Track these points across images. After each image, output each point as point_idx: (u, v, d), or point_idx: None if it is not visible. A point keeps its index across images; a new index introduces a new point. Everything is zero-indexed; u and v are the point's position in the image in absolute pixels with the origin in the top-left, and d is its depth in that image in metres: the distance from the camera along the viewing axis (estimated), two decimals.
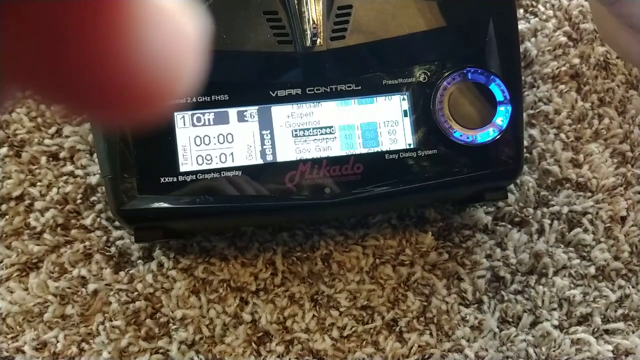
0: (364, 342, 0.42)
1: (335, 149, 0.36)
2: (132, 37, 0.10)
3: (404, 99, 0.36)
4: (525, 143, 0.44)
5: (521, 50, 0.45)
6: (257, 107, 0.35)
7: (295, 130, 0.35)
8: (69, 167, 0.42)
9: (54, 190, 0.42)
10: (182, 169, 0.34)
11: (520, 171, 0.37)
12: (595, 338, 0.43)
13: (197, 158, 0.35)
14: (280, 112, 0.35)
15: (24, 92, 0.11)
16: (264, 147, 0.35)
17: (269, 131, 0.35)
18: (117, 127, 0.34)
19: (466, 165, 0.36)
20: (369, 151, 0.36)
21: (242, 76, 0.35)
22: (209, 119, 0.35)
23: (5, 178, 0.42)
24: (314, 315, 0.42)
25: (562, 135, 0.45)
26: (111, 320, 0.41)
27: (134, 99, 0.11)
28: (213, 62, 0.34)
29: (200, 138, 0.35)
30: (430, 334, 0.42)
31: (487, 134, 0.36)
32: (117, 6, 0.10)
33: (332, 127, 0.36)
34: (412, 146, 0.36)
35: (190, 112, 0.35)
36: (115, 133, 0.34)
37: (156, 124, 0.12)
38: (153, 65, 0.11)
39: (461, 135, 0.36)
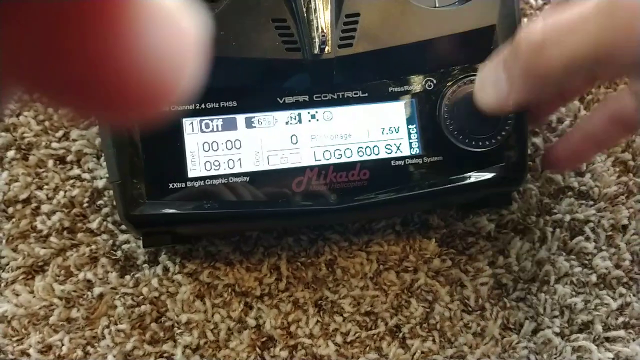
0: (367, 348, 0.42)
1: (342, 156, 0.36)
2: (138, 41, 0.11)
3: (410, 106, 0.37)
4: (529, 151, 0.44)
5: None
6: (264, 114, 0.36)
7: (303, 137, 0.36)
8: (76, 171, 0.42)
9: (61, 193, 0.42)
10: (191, 174, 0.35)
11: (525, 178, 0.38)
12: (596, 346, 0.43)
13: (205, 164, 0.35)
14: (287, 119, 0.36)
15: (31, 95, 0.11)
16: (271, 153, 0.35)
17: (276, 137, 0.36)
18: (125, 130, 0.34)
19: (471, 172, 0.37)
20: (375, 157, 0.36)
21: (250, 83, 0.36)
22: (217, 125, 0.35)
23: (12, 181, 0.42)
24: (317, 321, 0.42)
25: None
26: (116, 324, 0.41)
27: (141, 103, 0.11)
28: (221, 69, 0.34)
29: (209, 144, 0.35)
30: (433, 340, 0.43)
31: (492, 141, 0.36)
32: (124, 10, 0.10)
33: (338, 133, 0.36)
34: (418, 153, 0.36)
35: (198, 118, 0.35)
36: (123, 139, 0.34)
37: (163, 127, 0.12)
38: (160, 69, 0.11)
39: (466, 142, 0.36)
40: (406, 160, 0.36)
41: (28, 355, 0.40)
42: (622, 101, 0.36)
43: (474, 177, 0.37)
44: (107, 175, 0.41)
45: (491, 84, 0.32)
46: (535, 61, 0.28)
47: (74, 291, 0.41)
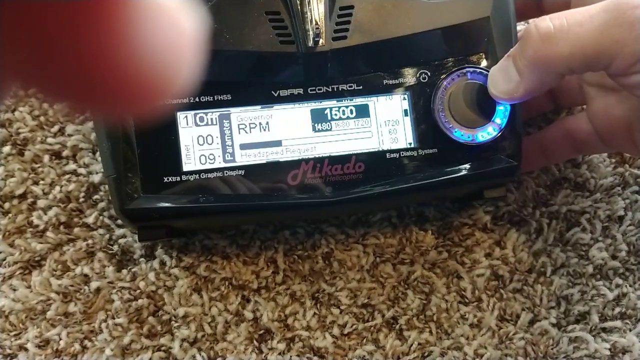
0: (365, 340, 0.42)
1: (337, 148, 0.36)
2: (133, 35, 0.11)
3: (404, 99, 0.37)
4: None
5: None
6: (259, 107, 0.36)
7: (297, 130, 0.36)
8: (72, 166, 0.42)
9: (57, 188, 0.42)
10: (185, 168, 0.35)
11: (519, 169, 0.38)
12: (593, 336, 0.43)
13: (200, 157, 0.35)
14: (282, 112, 0.36)
15: (26, 91, 0.11)
16: (267, 146, 0.36)
17: (271, 131, 0.36)
18: (119, 124, 0.34)
19: (466, 164, 0.37)
20: (370, 150, 0.36)
21: (244, 76, 0.36)
22: (211, 119, 0.35)
23: (8, 176, 0.42)
24: (314, 313, 0.42)
25: None
26: (114, 318, 0.41)
27: (135, 96, 0.11)
28: (216, 62, 0.34)
29: (203, 137, 0.35)
30: (430, 331, 0.43)
31: (486, 133, 0.36)
32: (119, 4, 0.10)
33: (333, 126, 0.36)
34: (412, 145, 0.37)
35: (193, 112, 0.35)
36: (118, 133, 0.34)
37: (158, 121, 0.12)
38: (154, 62, 0.11)
39: (461, 135, 0.36)
40: (401, 152, 0.36)
41: (26, 349, 0.40)
42: (579, 122, 0.40)
43: (469, 169, 0.37)
44: (102, 169, 0.41)
45: (502, 77, 0.34)
46: (543, 49, 0.31)
47: (71, 286, 0.41)
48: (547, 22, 0.31)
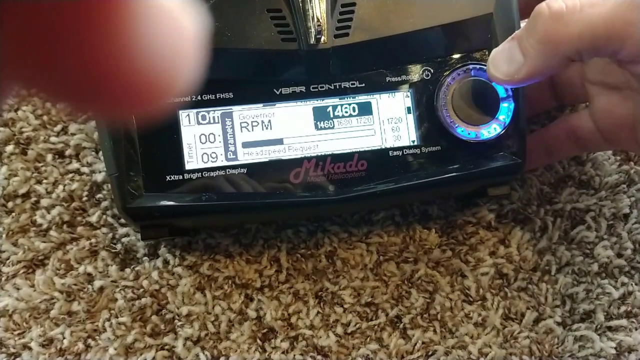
0: (368, 339, 0.42)
1: (340, 146, 0.36)
2: (134, 34, 0.11)
3: (407, 96, 0.37)
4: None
5: None
6: (261, 105, 0.35)
7: (300, 128, 0.36)
8: (75, 165, 0.42)
9: (60, 187, 0.42)
10: (188, 167, 0.35)
11: (523, 167, 0.38)
12: (598, 335, 0.43)
13: (202, 156, 0.35)
14: (284, 110, 0.36)
15: (28, 90, 0.11)
16: (269, 144, 0.35)
17: (273, 129, 0.35)
18: (122, 123, 0.34)
19: (469, 162, 0.36)
20: (373, 148, 0.36)
21: (246, 74, 0.36)
22: (213, 117, 0.35)
23: (12, 175, 0.42)
24: (318, 312, 0.42)
25: None
26: (117, 317, 0.41)
27: (137, 95, 0.11)
28: (217, 60, 0.34)
29: (206, 136, 0.35)
30: (434, 330, 0.42)
31: (490, 130, 0.36)
32: (120, 4, 0.10)
33: (335, 124, 0.36)
34: (415, 143, 0.36)
35: (195, 110, 0.35)
36: (120, 131, 0.34)
37: (160, 119, 0.12)
38: (156, 62, 0.11)
39: (464, 132, 0.36)
40: (404, 150, 0.36)
41: (29, 348, 0.40)
42: (581, 119, 0.40)
43: (472, 167, 0.36)
44: (105, 169, 0.41)
45: (504, 58, 0.33)
46: (554, 28, 0.30)
47: (75, 285, 0.41)
48: (559, 2, 0.30)
